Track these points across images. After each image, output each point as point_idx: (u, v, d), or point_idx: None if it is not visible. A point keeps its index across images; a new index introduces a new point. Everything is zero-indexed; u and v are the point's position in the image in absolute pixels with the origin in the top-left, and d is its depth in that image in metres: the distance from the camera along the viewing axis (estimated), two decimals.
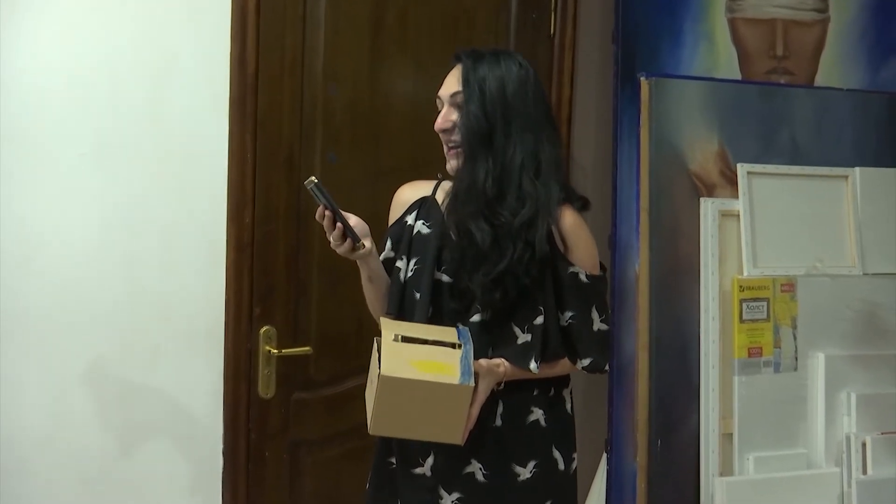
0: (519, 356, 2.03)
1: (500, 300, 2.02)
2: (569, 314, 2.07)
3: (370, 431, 1.93)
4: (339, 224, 2.01)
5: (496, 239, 2.01)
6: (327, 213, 2.00)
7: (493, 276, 2.00)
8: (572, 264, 2.05)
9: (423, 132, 2.16)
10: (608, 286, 2.15)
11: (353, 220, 2.06)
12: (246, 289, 2.57)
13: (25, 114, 2.35)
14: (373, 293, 2.20)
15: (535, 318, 2.03)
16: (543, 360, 2.04)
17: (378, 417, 1.91)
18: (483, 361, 1.98)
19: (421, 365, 1.91)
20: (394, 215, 2.24)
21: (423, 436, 1.97)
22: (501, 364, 2.01)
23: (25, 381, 2.40)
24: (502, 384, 2.03)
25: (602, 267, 2.15)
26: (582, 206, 2.14)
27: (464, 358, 1.93)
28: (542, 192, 2.03)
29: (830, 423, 2.75)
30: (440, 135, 2.11)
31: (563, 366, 2.09)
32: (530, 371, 2.02)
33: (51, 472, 2.44)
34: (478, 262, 2.02)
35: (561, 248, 2.05)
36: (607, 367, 2.14)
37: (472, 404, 1.94)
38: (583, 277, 2.06)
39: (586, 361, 2.08)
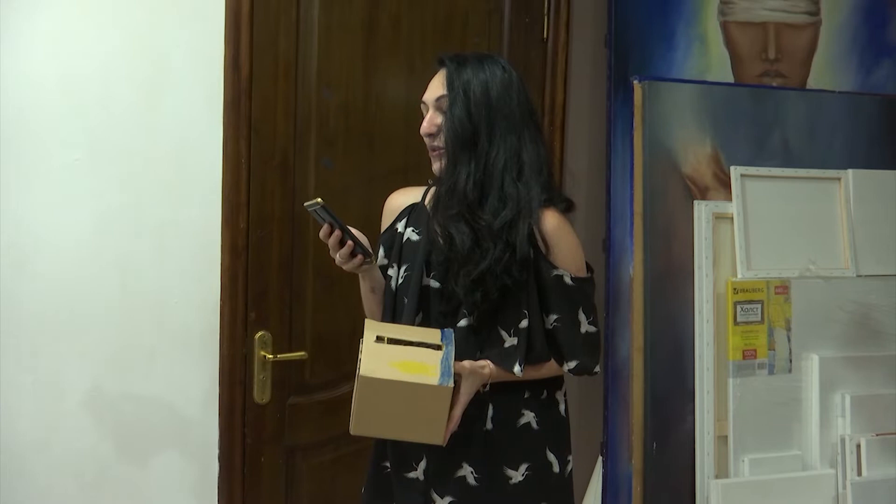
0: (504, 359, 2.02)
1: (482, 301, 2.01)
2: (554, 317, 2.06)
3: (352, 432, 1.93)
4: (348, 241, 2.01)
5: (477, 241, 2.01)
6: (335, 232, 2.00)
7: (473, 276, 2.00)
8: (556, 267, 2.04)
9: (416, 136, 2.16)
10: (595, 288, 2.14)
11: (355, 233, 2.05)
12: (241, 293, 2.57)
13: (19, 118, 2.35)
14: (375, 303, 2.19)
15: (521, 322, 2.03)
16: (528, 362, 2.03)
17: (359, 418, 1.90)
18: (466, 363, 1.97)
19: (401, 365, 1.90)
20: (385, 223, 2.24)
21: (404, 436, 1.97)
22: (486, 366, 2.00)
23: (20, 385, 2.39)
24: (488, 386, 2.03)
25: (589, 268, 2.13)
26: (566, 207, 2.13)
27: (444, 359, 1.92)
28: (524, 193, 2.02)
29: (825, 425, 2.76)
30: (425, 138, 2.11)
31: (549, 368, 2.08)
32: (514, 374, 2.02)
33: (46, 476, 2.43)
34: (461, 264, 2.02)
35: (543, 249, 2.04)
36: (597, 370, 2.11)
37: (454, 405, 1.94)
38: (567, 280, 2.05)
39: (573, 364, 2.06)
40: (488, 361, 2.01)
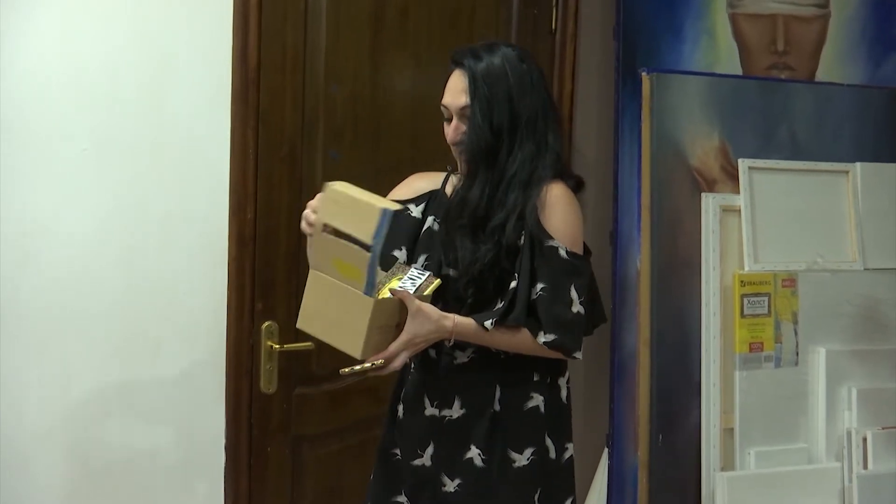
0: (482, 315, 2.00)
1: (476, 294, 2.03)
2: (540, 285, 2.01)
3: (297, 325, 2.02)
4: None
5: (476, 253, 2.02)
6: None
7: (467, 278, 2.02)
8: (551, 237, 2.04)
9: (423, 128, 2.16)
10: (590, 270, 2.11)
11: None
12: (248, 284, 2.57)
13: (26, 109, 2.34)
14: None
15: (510, 284, 2.03)
16: (504, 324, 1.99)
17: (303, 310, 2.00)
18: (421, 304, 1.96)
19: (339, 264, 1.93)
20: (399, 193, 2.22)
21: (332, 340, 1.98)
22: (449, 318, 1.99)
23: (26, 376, 2.40)
24: (451, 340, 2.01)
25: (587, 250, 2.12)
26: (575, 184, 2.12)
27: (370, 266, 1.91)
28: (521, 201, 2.02)
29: (831, 418, 2.76)
30: (453, 145, 2.11)
31: (522, 338, 2.01)
32: (484, 328, 1.98)
33: (52, 466, 2.44)
34: (461, 274, 2.04)
35: (539, 214, 2.03)
36: (578, 355, 2.05)
37: (394, 340, 1.95)
38: (562, 253, 2.02)
39: (549, 337, 2.00)
40: (454, 315, 2.00)
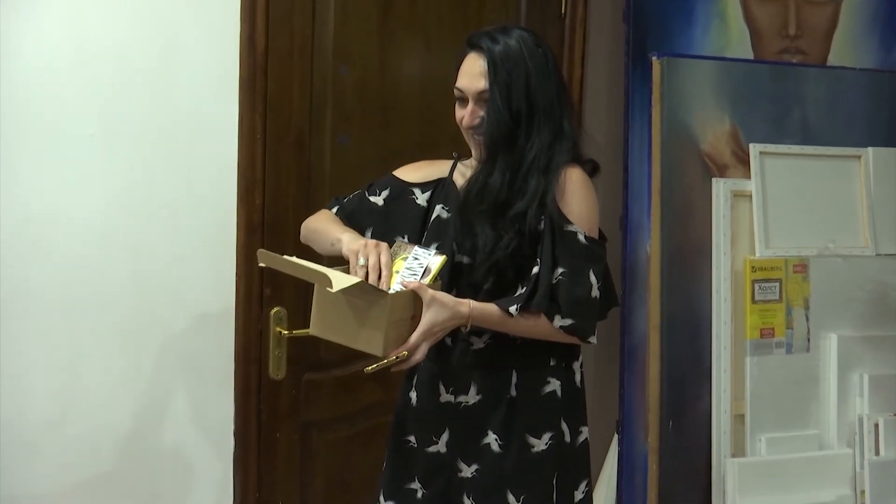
0: (506, 301, 1.99)
1: (496, 282, 2.02)
2: (560, 270, 2.00)
3: (310, 332, 1.99)
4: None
5: (498, 240, 2.00)
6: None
7: (487, 265, 2.01)
8: (570, 222, 2.02)
9: (433, 112, 2.14)
10: (606, 255, 2.10)
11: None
12: (256, 270, 2.56)
13: (32, 95, 2.34)
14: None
15: (532, 270, 2.01)
16: (527, 309, 1.99)
17: (315, 317, 1.97)
18: (435, 293, 1.95)
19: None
20: (406, 173, 2.20)
21: (351, 342, 1.95)
22: (465, 304, 1.97)
23: (34, 365, 2.39)
24: (468, 326, 2.00)
25: (602, 236, 2.11)
26: (591, 168, 2.11)
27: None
28: (542, 185, 2.01)
29: (843, 404, 2.75)
30: (468, 129, 2.09)
31: (541, 323, 2.00)
32: (509, 313, 1.98)
33: (60, 455, 2.43)
34: (481, 261, 2.02)
35: (558, 198, 2.02)
36: (593, 340, 2.05)
37: (413, 331, 1.93)
38: (581, 238, 2.02)
39: (567, 322, 1.99)
40: (470, 301, 1.99)
